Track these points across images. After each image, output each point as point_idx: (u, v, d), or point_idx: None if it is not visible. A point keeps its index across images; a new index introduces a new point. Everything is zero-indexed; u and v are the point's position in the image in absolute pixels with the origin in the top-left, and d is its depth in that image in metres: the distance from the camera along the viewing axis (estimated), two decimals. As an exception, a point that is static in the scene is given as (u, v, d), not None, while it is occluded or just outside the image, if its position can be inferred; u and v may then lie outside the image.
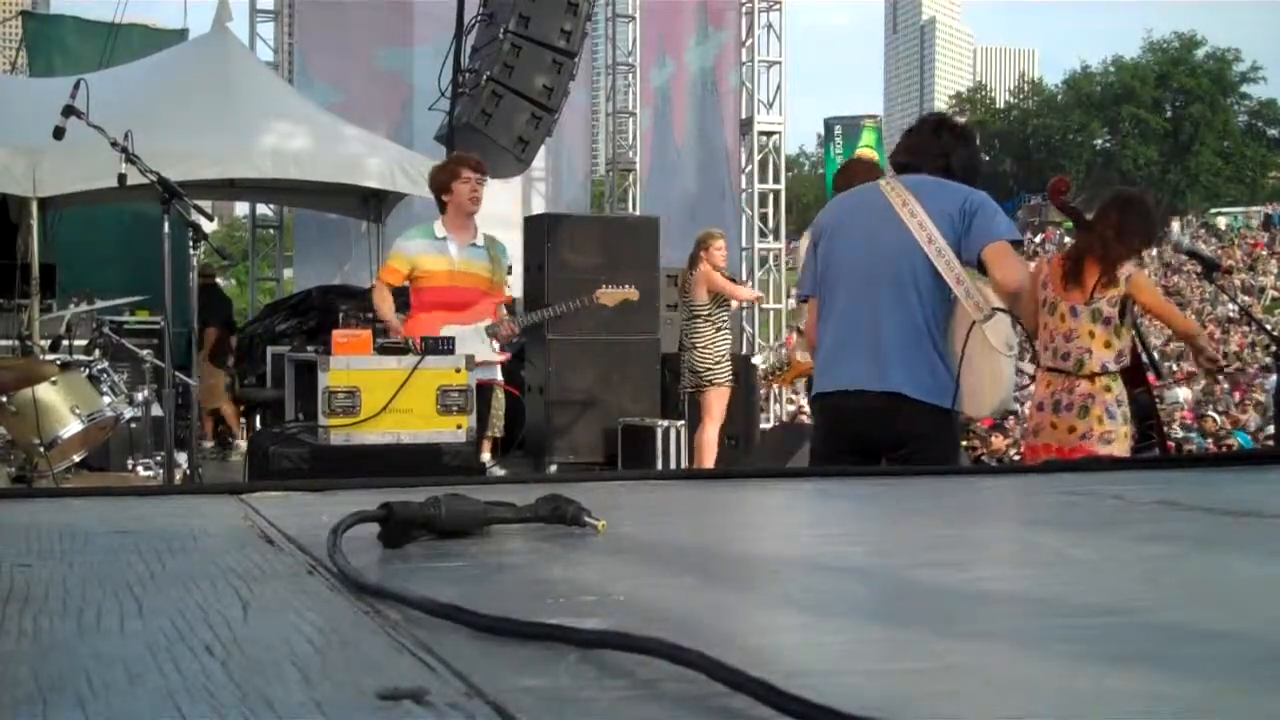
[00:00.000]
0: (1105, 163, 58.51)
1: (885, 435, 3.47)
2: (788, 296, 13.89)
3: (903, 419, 3.43)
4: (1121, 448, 4.33)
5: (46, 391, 5.25)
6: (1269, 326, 14.35)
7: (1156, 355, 5.35)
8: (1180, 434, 14.78)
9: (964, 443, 11.56)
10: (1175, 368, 21.61)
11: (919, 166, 3.67)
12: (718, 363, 8.05)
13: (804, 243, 4.25)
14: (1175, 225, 46.78)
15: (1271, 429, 13.61)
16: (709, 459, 7.94)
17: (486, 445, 7.46)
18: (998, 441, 14.08)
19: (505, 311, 6.02)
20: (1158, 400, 5.50)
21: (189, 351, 7.96)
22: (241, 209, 24.90)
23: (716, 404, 8.06)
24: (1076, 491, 2.03)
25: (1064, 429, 4.39)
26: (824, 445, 3.74)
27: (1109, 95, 61.59)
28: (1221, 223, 46.01)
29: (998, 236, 3.46)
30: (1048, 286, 4.56)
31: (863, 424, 3.51)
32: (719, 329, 8.11)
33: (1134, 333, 4.61)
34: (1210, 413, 17.13)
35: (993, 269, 3.42)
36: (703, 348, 8.06)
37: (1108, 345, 4.39)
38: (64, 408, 5.32)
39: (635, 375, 9.16)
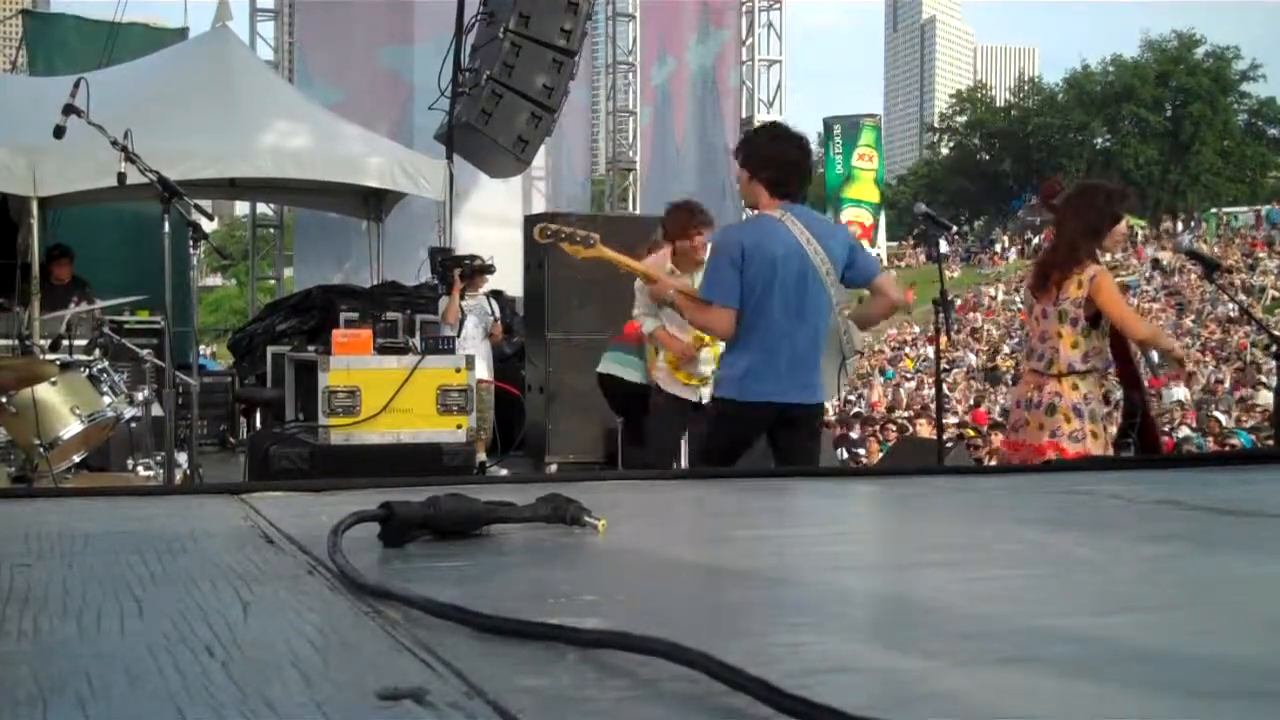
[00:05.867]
0: (1105, 162, 58.37)
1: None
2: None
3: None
4: (1094, 446, 4.32)
5: (46, 391, 5.23)
6: (1269, 326, 14.33)
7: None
8: (1180, 434, 14.76)
9: (963, 439, 11.55)
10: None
11: (796, 192, 4.32)
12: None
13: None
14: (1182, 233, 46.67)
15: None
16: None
17: (481, 444, 7.47)
18: (997, 439, 14.03)
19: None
20: (1154, 397, 5.48)
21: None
22: (241, 209, 24.93)
23: None
24: (1076, 491, 2.03)
25: (1034, 426, 4.42)
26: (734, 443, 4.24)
27: (1109, 94, 61.44)
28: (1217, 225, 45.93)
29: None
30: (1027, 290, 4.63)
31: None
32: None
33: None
34: (1211, 413, 17.13)
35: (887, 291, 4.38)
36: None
37: (1074, 345, 4.38)
38: (64, 408, 5.31)
39: (635, 375, 9.14)
